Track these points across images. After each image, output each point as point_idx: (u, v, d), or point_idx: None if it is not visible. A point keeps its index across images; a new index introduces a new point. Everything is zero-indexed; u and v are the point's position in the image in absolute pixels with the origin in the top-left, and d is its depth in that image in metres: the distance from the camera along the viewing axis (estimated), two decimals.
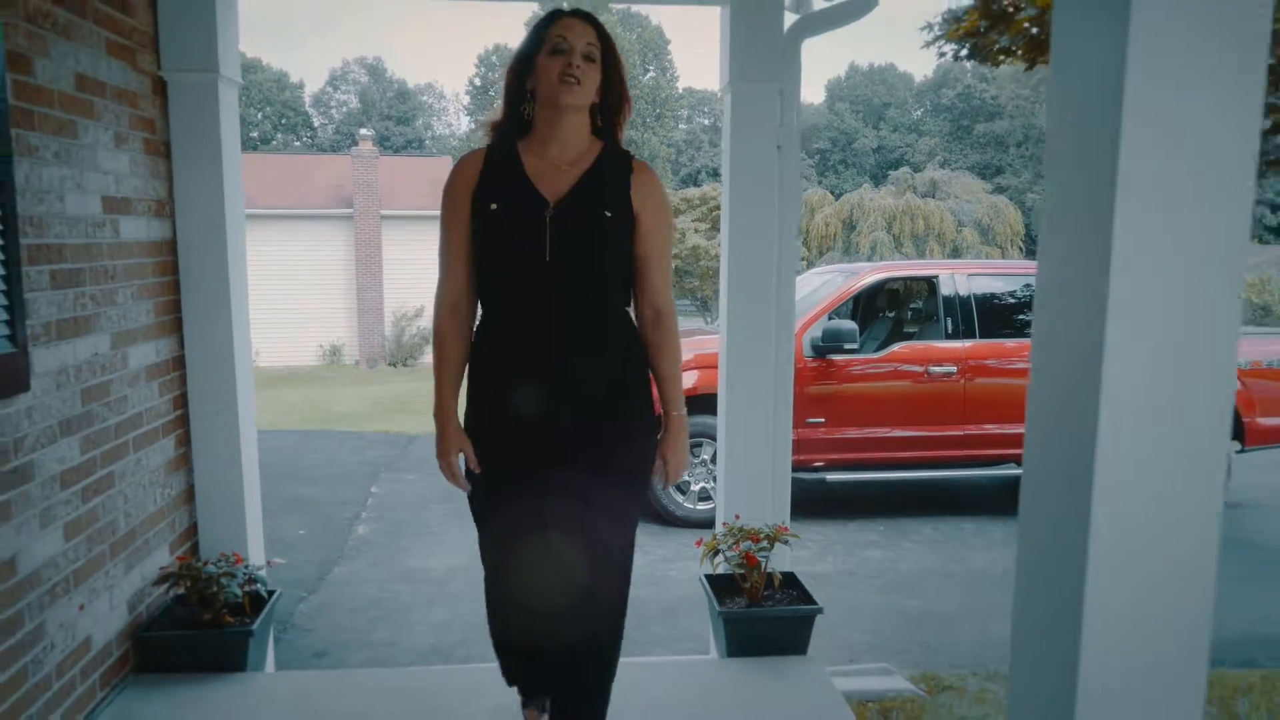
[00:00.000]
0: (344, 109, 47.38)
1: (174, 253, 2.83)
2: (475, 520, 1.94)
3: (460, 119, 48.15)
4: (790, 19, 2.98)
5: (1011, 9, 3.95)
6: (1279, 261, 26.21)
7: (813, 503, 6.07)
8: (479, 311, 1.91)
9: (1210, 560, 1.27)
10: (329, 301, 18.05)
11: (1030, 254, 36.80)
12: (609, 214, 1.78)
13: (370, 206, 17.96)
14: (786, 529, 2.87)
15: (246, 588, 2.70)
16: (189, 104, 2.78)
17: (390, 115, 45.28)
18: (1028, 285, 6.08)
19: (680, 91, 43.70)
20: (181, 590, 2.70)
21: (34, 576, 2.09)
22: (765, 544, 2.76)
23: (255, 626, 2.63)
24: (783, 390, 3.06)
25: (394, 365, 17.97)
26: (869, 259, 30.47)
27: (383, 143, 37.87)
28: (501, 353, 1.81)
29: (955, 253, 31.75)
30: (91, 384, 2.36)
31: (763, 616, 2.73)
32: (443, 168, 19.95)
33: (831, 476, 5.67)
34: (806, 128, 50.73)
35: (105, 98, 2.44)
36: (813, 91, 53.58)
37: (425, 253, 16.37)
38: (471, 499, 1.91)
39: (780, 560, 2.93)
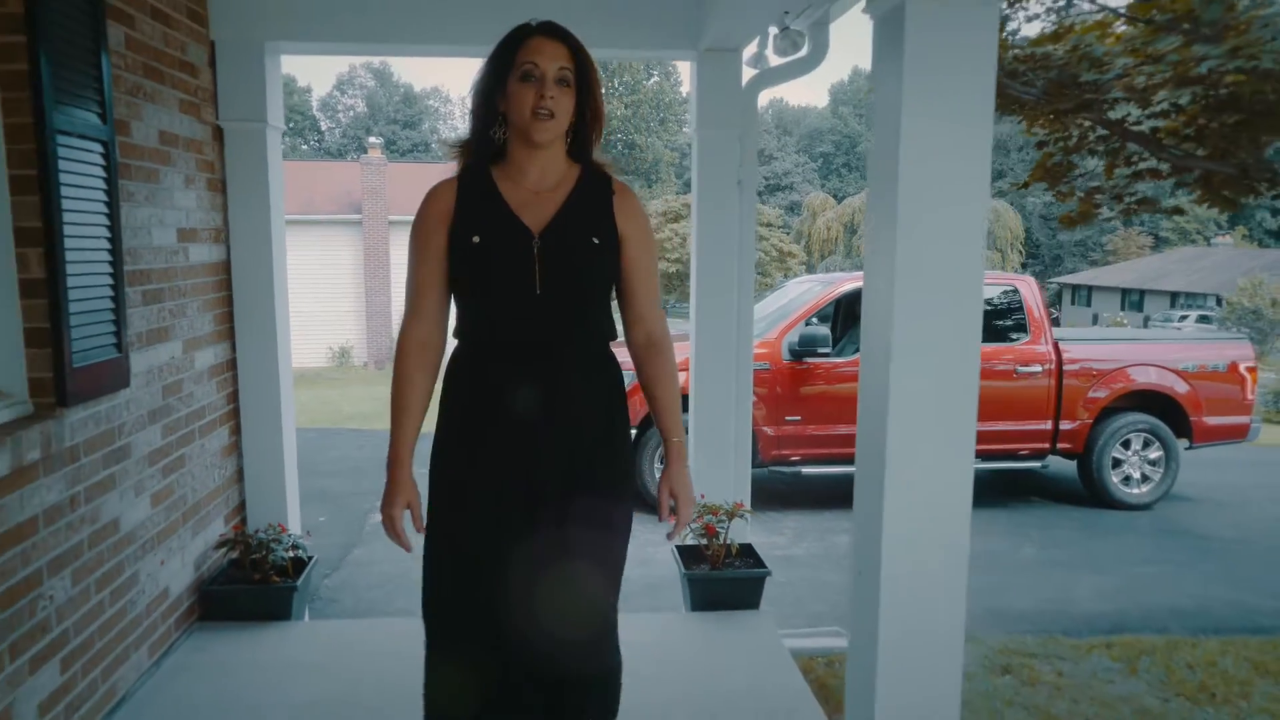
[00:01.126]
0: (350, 113, 48.08)
1: (229, 272, 3.39)
2: (428, 571, 1.73)
3: (466, 123, 48.79)
4: (749, 73, 3.53)
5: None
6: (1274, 265, 26.62)
7: (789, 495, 6.62)
8: (448, 348, 1.79)
9: (964, 524, 1.81)
10: (338, 304, 18.64)
11: (1031, 256, 37.21)
12: (596, 241, 1.69)
13: (378, 212, 18.57)
14: (743, 505, 3.42)
15: (290, 553, 3.26)
16: (242, 148, 3.35)
17: (396, 119, 45.94)
18: (986, 296, 6.61)
19: (684, 96, 44.24)
20: (235, 555, 3.26)
21: (130, 535, 2.65)
22: (724, 518, 3.31)
23: (299, 584, 3.18)
24: (743, 391, 3.61)
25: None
26: (857, 268, 30.97)
27: (389, 146, 38.47)
28: (483, 391, 1.68)
29: None
30: (169, 381, 2.92)
31: (721, 578, 3.28)
32: (449, 173, 20.54)
33: (807, 470, 6.21)
34: (810, 131, 51.26)
35: (179, 147, 3.00)
36: (816, 95, 54.07)
37: None
38: (429, 546, 1.73)
39: (740, 534, 3.48)
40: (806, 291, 6.84)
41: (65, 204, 2.24)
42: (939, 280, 1.70)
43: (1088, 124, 3.34)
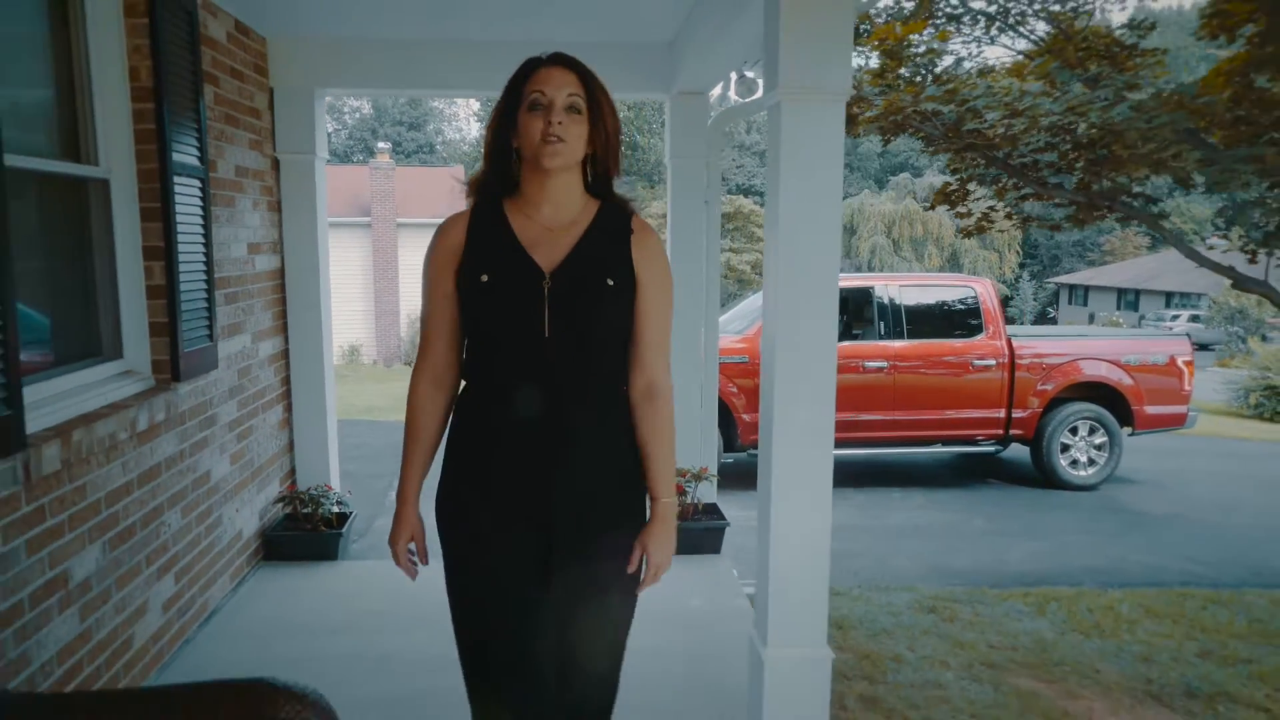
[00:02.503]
0: (357, 115, 48.86)
1: (283, 277, 4.14)
2: (456, 630, 1.70)
3: (471, 125, 49.55)
4: (715, 111, 4.27)
5: None
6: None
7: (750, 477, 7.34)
8: (461, 385, 1.75)
9: (826, 492, 2.46)
10: (348, 304, 19.42)
11: (1029, 257, 37.84)
12: (611, 282, 1.62)
13: (387, 215, 19.35)
14: (707, 470, 4.15)
15: (335, 507, 4.01)
16: (294, 175, 4.09)
17: (402, 121, 46.71)
18: (946, 297, 7.33)
19: None
20: (289, 510, 4.00)
21: (216, 485, 3.39)
22: (692, 480, 4.05)
23: (343, 531, 3.93)
24: (709, 377, 4.34)
25: (409, 364, 19.33)
26: (868, 263, 31.65)
27: (395, 148, 39.25)
28: (489, 435, 1.64)
29: (953, 256, 32.86)
30: (242, 366, 3.66)
31: (688, 528, 4.01)
32: (455, 178, 21.28)
33: None
34: None
35: (249, 178, 3.75)
36: None
37: None
38: (451, 602, 1.71)
39: (707, 494, 4.21)
40: None
41: (179, 227, 2.99)
42: (807, 287, 2.41)
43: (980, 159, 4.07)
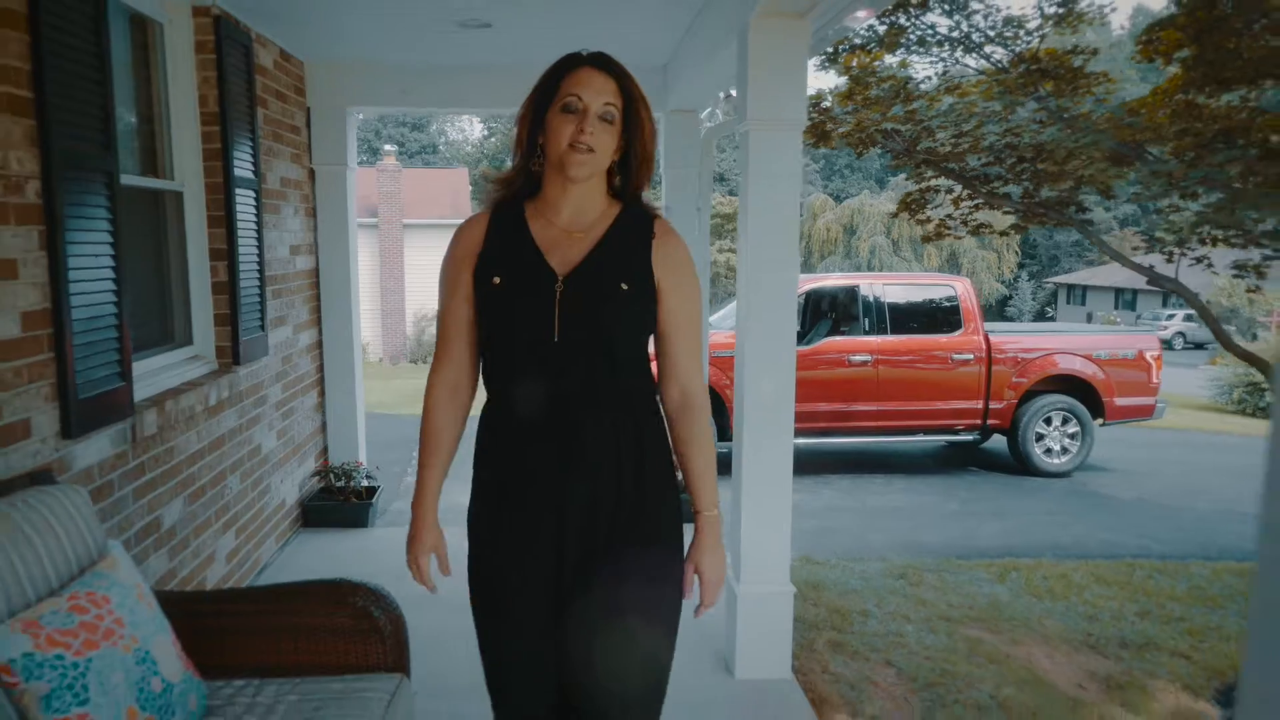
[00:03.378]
0: (360, 116, 49.31)
1: (317, 275, 4.64)
2: (480, 643, 1.70)
3: (474, 125, 50.07)
4: (705, 127, 4.77)
5: None
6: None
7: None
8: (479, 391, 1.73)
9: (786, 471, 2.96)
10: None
11: (1028, 257, 38.28)
12: (625, 287, 1.57)
13: (393, 216, 19.86)
14: None
15: (365, 481, 4.51)
16: (328, 184, 4.60)
17: (405, 122, 47.23)
18: (927, 295, 7.83)
19: None
20: (324, 484, 4.50)
21: (266, 457, 3.90)
22: None
23: (373, 502, 4.44)
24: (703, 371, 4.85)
25: (414, 362, 19.85)
26: (868, 263, 32.13)
27: (399, 149, 39.77)
28: (505, 445, 1.61)
29: (952, 256, 33.32)
30: (286, 354, 4.17)
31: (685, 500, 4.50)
32: (459, 179, 21.82)
33: None
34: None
35: (290, 187, 4.25)
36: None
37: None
38: (474, 614, 1.70)
39: None
40: None
41: (238, 232, 3.50)
42: (771, 276, 2.90)
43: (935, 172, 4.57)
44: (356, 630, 1.97)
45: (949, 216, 4.87)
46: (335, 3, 3.50)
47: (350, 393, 4.75)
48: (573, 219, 1.62)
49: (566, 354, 1.54)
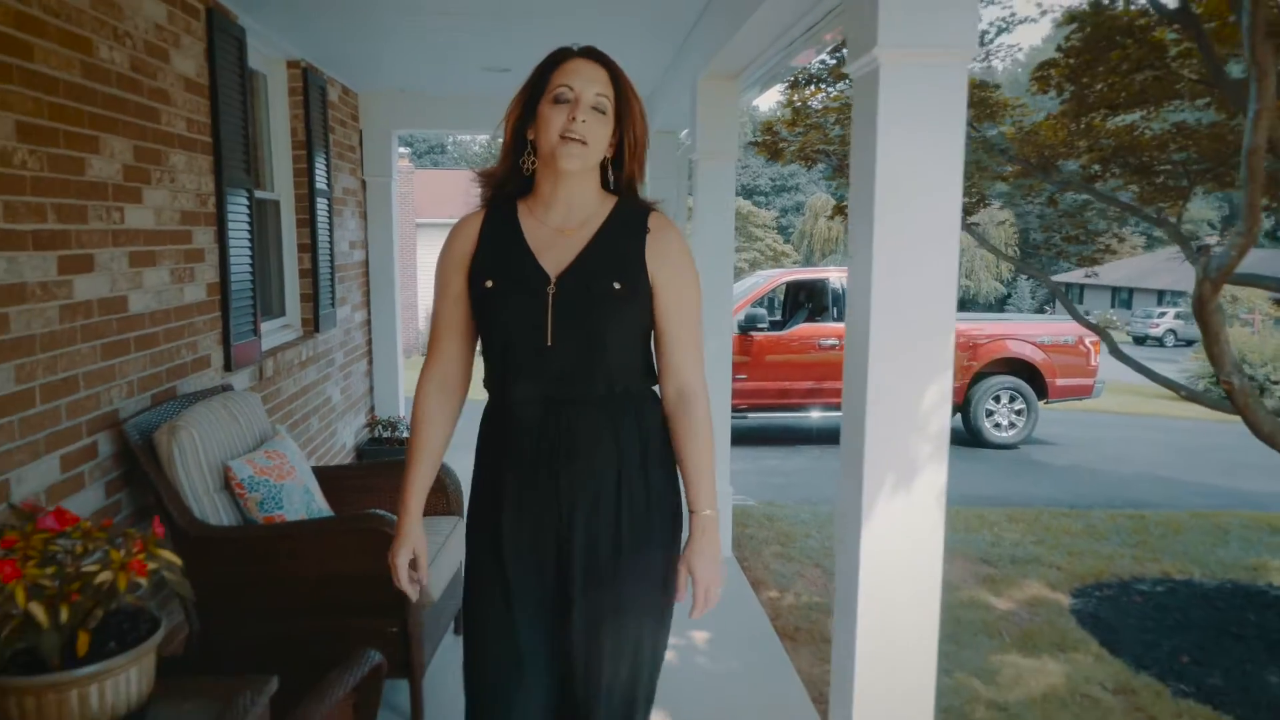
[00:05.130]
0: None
1: (367, 266, 5.79)
2: (467, 625, 1.66)
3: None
4: (685, 144, 5.90)
5: None
6: (1259, 263, 28.59)
7: (736, 436, 8.95)
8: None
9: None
10: None
11: (1025, 255, 39.18)
12: (618, 285, 1.54)
13: (406, 216, 21.01)
14: None
15: (406, 433, 5.66)
16: (376, 192, 5.74)
17: None
18: None
19: None
20: (373, 434, 5.65)
21: (333, 408, 5.04)
22: None
23: None
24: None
25: (425, 355, 20.99)
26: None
27: (409, 149, 40.88)
28: (502, 451, 1.60)
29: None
30: (346, 327, 5.31)
31: None
32: (468, 180, 22.96)
33: (751, 415, 8.55)
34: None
35: (349, 194, 5.40)
36: None
37: None
38: (465, 609, 1.68)
39: None
40: (756, 283, 9.20)
41: (317, 230, 4.63)
42: (711, 286, 3.98)
43: None
44: (435, 488, 3.09)
45: None
46: (385, 49, 4.62)
47: (392, 361, 5.89)
48: (565, 217, 1.59)
49: (562, 357, 1.53)
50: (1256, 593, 4.68)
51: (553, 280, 1.55)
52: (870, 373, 1.89)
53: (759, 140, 6.68)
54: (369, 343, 5.84)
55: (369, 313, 5.83)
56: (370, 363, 5.88)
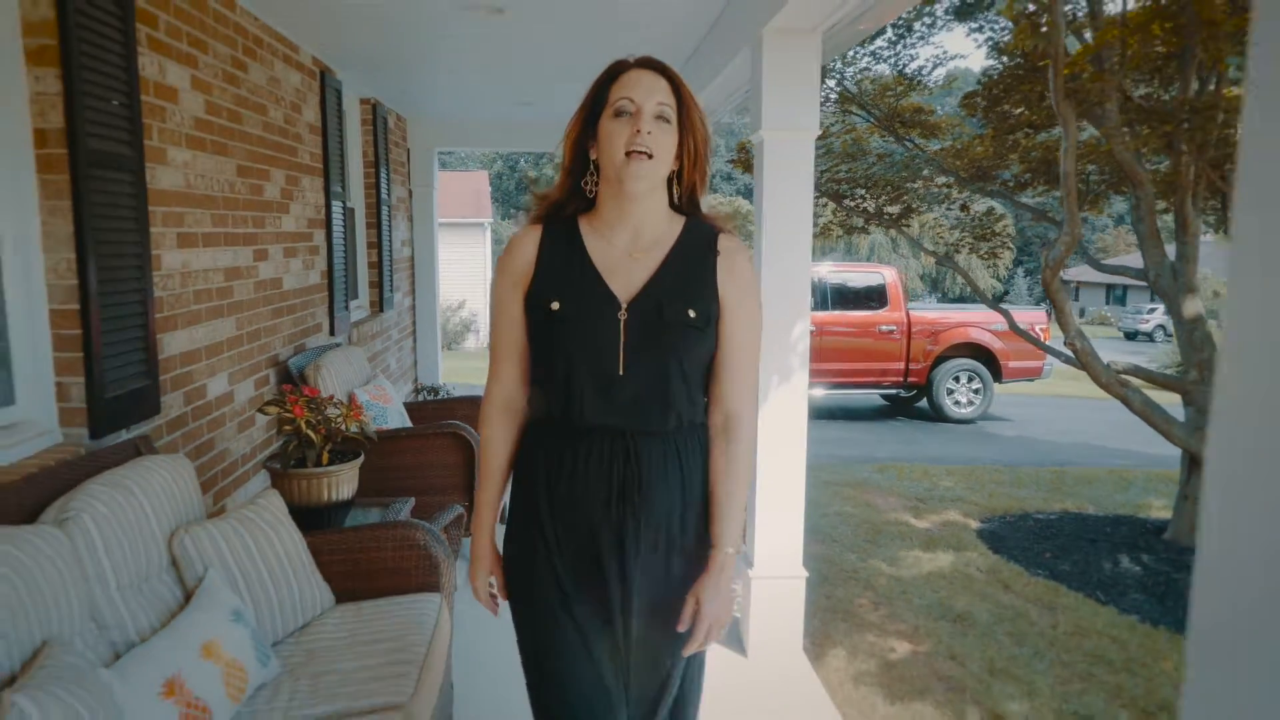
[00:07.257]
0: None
1: (413, 260, 7.10)
2: (521, 655, 1.64)
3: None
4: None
5: None
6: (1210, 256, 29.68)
7: None
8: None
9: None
10: None
11: (1025, 255, 40.33)
12: (693, 314, 1.50)
13: None
14: None
15: (445, 395, 6.97)
16: (420, 198, 7.06)
17: None
18: (862, 280, 10.20)
19: None
20: (418, 398, 6.95)
21: (391, 372, 6.34)
22: None
23: None
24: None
25: (443, 347, 22.32)
26: (867, 258, 34.43)
27: None
28: (557, 479, 1.54)
29: (947, 255, 35.50)
30: (399, 310, 6.62)
31: None
32: (480, 181, 24.29)
33: None
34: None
35: (400, 201, 6.71)
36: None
37: (467, 255, 20.79)
38: (519, 630, 1.64)
39: None
40: None
41: (381, 231, 5.94)
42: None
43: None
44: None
45: (829, 223, 7.23)
46: (434, 90, 5.90)
47: (432, 339, 7.19)
48: (633, 239, 1.55)
49: (634, 386, 1.49)
50: (1130, 520, 5.94)
51: (624, 306, 1.50)
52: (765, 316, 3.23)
53: (735, 158, 7.91)
54: (413, 323, 7.14)
55: (414, 299, 7.13)
56: (415, 339, 7.18)
